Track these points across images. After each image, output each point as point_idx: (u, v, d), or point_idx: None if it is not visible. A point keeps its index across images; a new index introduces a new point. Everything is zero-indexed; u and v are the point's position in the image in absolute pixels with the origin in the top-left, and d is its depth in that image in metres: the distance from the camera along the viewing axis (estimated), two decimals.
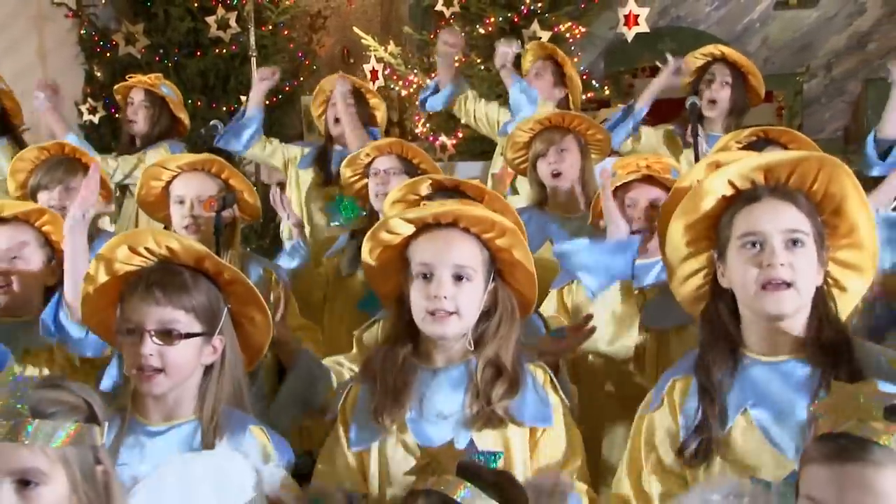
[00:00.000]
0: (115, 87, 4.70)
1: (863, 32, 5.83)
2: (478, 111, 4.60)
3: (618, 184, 2.77)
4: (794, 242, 1.82)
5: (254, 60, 5.63)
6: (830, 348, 1.85)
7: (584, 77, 6.16)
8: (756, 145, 3.22)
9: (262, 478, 1.84)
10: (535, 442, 2.02)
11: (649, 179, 2.79)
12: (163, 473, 1.74)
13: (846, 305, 1.93)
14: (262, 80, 4.44)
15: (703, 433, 1.86)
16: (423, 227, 2.02)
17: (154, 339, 1.90)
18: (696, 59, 4.24)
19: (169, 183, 3.04)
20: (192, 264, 2.00)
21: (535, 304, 2.15)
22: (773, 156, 1.94)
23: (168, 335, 1.91)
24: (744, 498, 1.57)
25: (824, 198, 1.88)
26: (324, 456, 2.08)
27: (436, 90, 4.60)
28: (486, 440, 1.98)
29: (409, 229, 2.02)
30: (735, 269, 1.86)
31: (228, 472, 1.78)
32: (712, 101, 4.14)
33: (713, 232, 1.92)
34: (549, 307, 2.88)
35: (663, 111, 4.81)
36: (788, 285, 1.80)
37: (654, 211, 2.68)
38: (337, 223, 4.17)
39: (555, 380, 2.09)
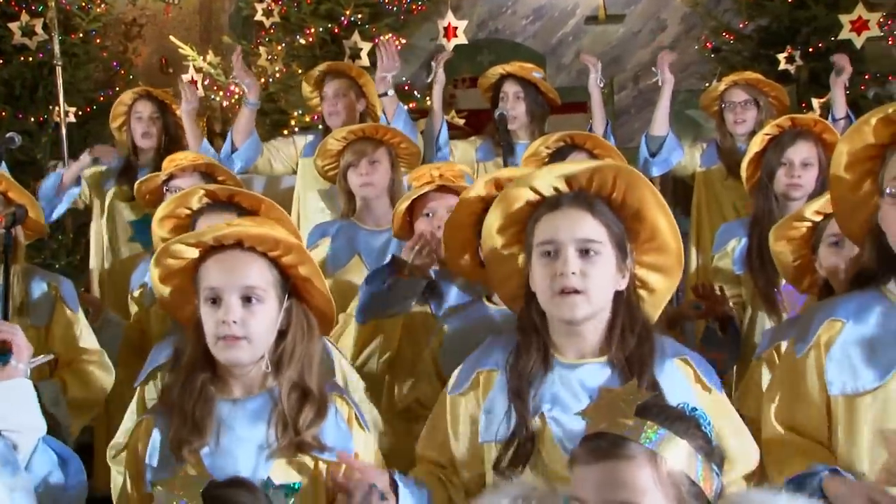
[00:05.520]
0: None
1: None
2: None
3: (413, 196, 2.79)
4: (587, 252, 1.88)
5: (59, 69, 5.36)
6: (632, 351, 1.91)
7: (406, 88, 6.23)
8: (563, 150, 3.43)
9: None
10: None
11: (445, 188, 2.81)
12: None
13: (656, 304, 2.01)
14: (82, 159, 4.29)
15: (517, 438, 1.88)
16: (210, 249, 1.95)
17: None
18: (487, 78, 4.57)
19: None
20: None
21: (335, 318, 2.13)
22: (572, 164, 2.02)
23: None
24: (531, 501, 1.61)
25: (623, 204, 1.94)
26: None
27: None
28: (291, 472, 1.93)
29: (194, 253, 1.95)
30: (535, 274, 1.93)
31: None
32: (512, 117, 4.33)
33: (524, 236, 1.98)
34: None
35: (482, 121, 4.97)
36: (579, 292, 1.86)
37: None
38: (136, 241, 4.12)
39: (360, 415, 2.05)
